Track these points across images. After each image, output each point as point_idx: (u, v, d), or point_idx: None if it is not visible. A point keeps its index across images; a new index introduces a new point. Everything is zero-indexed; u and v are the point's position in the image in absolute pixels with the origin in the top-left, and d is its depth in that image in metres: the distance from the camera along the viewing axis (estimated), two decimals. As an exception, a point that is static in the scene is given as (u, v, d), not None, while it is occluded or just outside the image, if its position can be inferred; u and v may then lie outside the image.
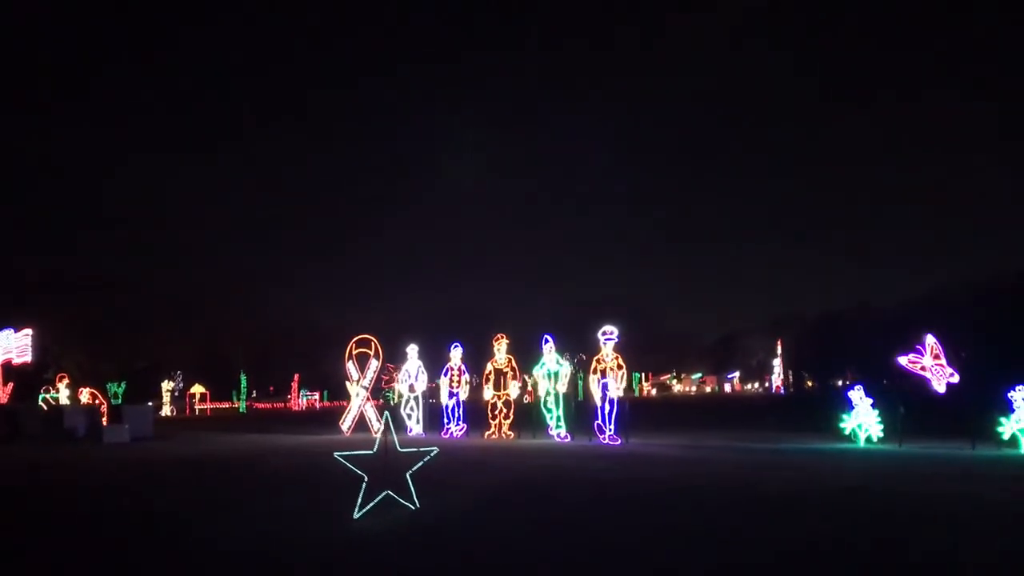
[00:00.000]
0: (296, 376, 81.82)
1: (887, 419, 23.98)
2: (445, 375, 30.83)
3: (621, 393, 26.23)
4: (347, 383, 33.57)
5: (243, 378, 76.67)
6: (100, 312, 74.13)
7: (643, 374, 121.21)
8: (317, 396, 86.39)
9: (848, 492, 14.32)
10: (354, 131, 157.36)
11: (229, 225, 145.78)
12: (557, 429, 27.40)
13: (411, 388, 32.05)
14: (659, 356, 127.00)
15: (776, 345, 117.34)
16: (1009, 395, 21.82)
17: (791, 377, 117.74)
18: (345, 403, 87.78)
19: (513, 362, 29.19)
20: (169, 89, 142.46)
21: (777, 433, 28.92)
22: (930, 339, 23.36)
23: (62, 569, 9.36)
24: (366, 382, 32.87)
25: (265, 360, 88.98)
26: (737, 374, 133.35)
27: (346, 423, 33.08)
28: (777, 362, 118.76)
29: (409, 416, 31.95)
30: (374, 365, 32.85)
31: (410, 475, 13.55)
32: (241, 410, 76.98)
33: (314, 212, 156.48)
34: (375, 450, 13.55)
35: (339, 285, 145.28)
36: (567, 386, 27.89)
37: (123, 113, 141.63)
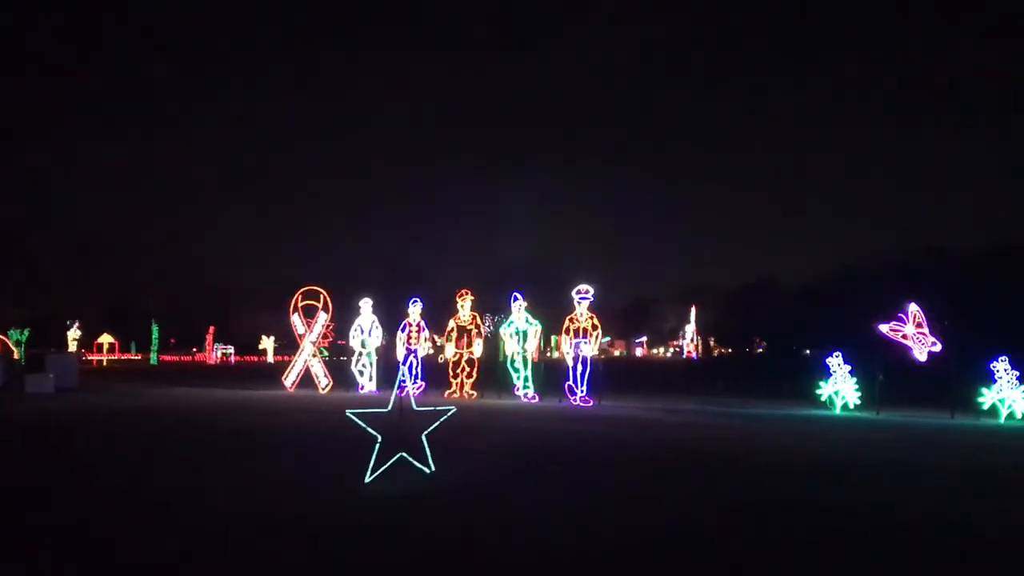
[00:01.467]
0: (211, 329, 78.68)
1: (864, 387, 23.94)
2: (403, 331, 29.48)
3: (595, 353, 25.48)
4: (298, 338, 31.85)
5: (155, 329, 73.16)
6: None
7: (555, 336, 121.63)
8: (232, 350, 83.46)
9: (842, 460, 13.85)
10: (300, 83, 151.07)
11: (155, 173, 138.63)
12: (524, 389, 26.51)
13: (363, 344, 30.57)
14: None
15: (690, 312, 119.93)
16: (991, 366, 21.95)
17: (702, 344, 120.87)
18: (259, 359, 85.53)
19: (478, 319, 28.06)
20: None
21: (748, 398, 28.75)
22: (913, 307, 23.31)
23: None
24: (313, 336, 31.24)
25: (176, 312, 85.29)
26: (645, 338, 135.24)
27: (290, 378, 31.42)
28: (690, 328, 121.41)
29: (361, 373, 30.54)
30: (322, 318, 31.25)
31: (426, 436, 12.44)
32: (152, 362, 73.61)
33: (263, 168, 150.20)
34: (390, 408, 12.37)
35: (277, 240, 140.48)
36: (536, 346, 26.95)
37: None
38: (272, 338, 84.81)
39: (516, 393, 26.69)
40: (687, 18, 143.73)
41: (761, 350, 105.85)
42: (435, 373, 30.02)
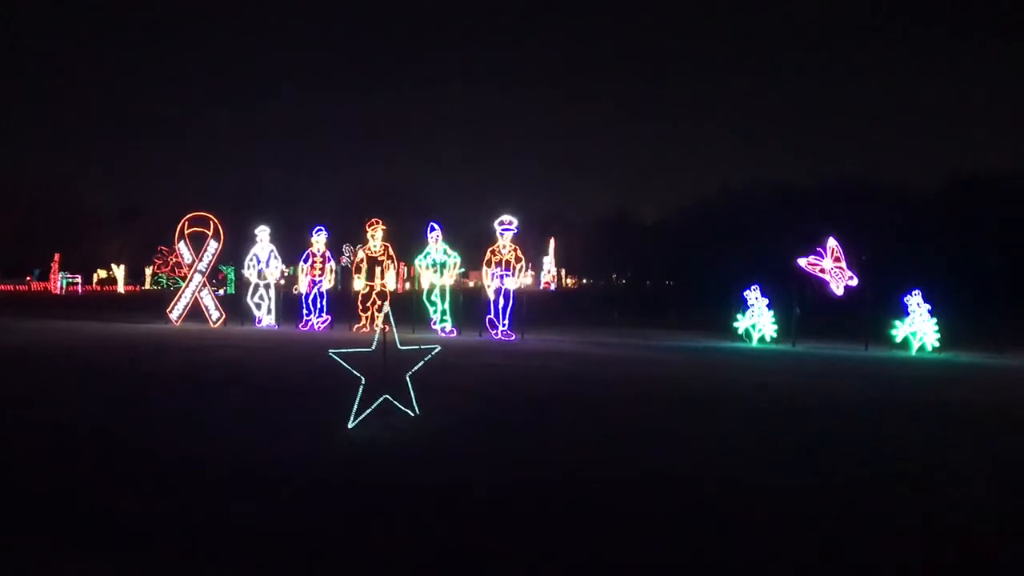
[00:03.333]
0: (57, 256, 72.97)
1: (781, 320, 24.60)
2: (306, 261, 27.93)
3: (518, 286, 24.97)
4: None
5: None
6: None
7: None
8: (79, 280, 77.94)
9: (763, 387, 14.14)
10: None
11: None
12: (442, 323, 25.74)
13: (260, 275, 28.82)
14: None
15: (548, 243, 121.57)
16: (905, 299, 22.92)
17: (561, 275, 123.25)
18: (107, 288, 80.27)
19: (390, 250, 26.90)
20: None
21: (650, 329, 29.13)
22: (832, 242, 23.97)
23: None
24: (203, 266, 29.17)
25: (16, 235, 78.59)
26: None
27: (176, 310, 29.33)
28: (548, 260, 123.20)
29: (258, 306, 28.85)
30: (213, 247, 29.21)
31: (410, 376, 11.68)
32: (-11, 293, 67.67)
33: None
34: (373, 347, 11.51)
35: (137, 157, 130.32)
36: (453, 277, 26.14)
37: None
38: (123, 267, 79.71)
39: (433, 327, 25.90)
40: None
41: (624, 282, 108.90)
42: (340, 307, 28.66)
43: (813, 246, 24.28)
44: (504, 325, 24.89)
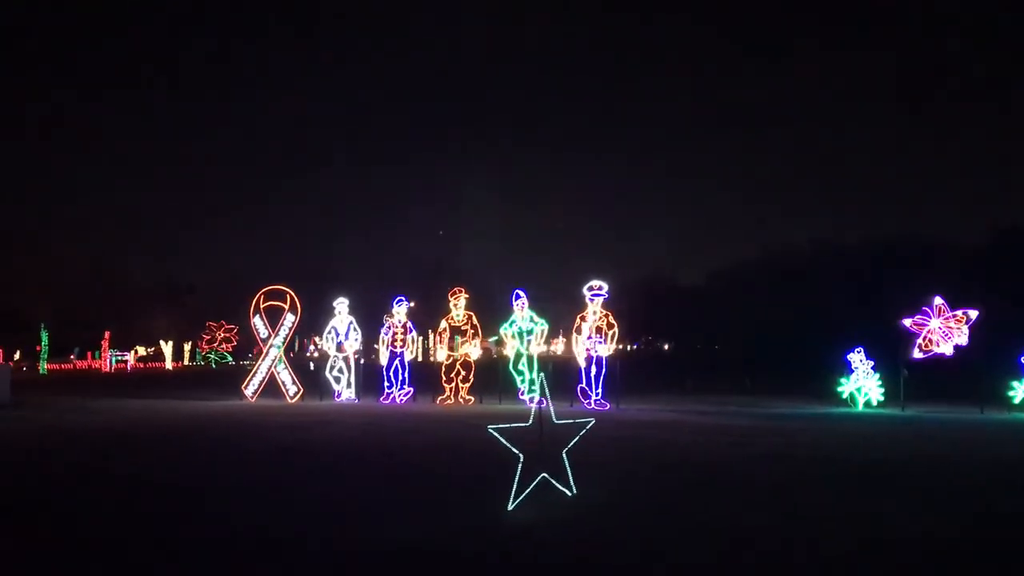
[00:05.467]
0: (107, 334, 73.56)
1: (888, 382, 23.77)
2: (386, 333, 27.64)
3: (610, 353, 24.43)
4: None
5: (45, 335, 67.74)
6: None
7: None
8: (130, 357, 78.37)
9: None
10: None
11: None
12: (531, 393, 25.19)
13: (340, 347, 28.53)
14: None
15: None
16: (1022, 359, 22.03)
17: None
18: (155, 365, 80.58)
19: (474, 319, 26.55)
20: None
21: (761, 397, 28.35)
22: (938, 300, 23.24)
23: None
24: (279, 340, 28.98)
25: (65, 316, 79.50)
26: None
27: (251, 387, 29.05)
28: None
29: (337, 380, 28.49)
30: (289, 320, 29.04)
31: (567, 453, 11.09)
32: (42, 371, 68.16)
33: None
34: (531, 421, 10.96)
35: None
36: (541, 345, 25.69)
37: None
38: (171, 343, 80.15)
39: (520, 397, 25.35)
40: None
41: (667, 347, 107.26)
42: (424, 378, 28.23)
43: (917, 306, 23.57)
44: (597, 394, 24.28)
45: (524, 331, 25.56)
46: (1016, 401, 21.98)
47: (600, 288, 24.73)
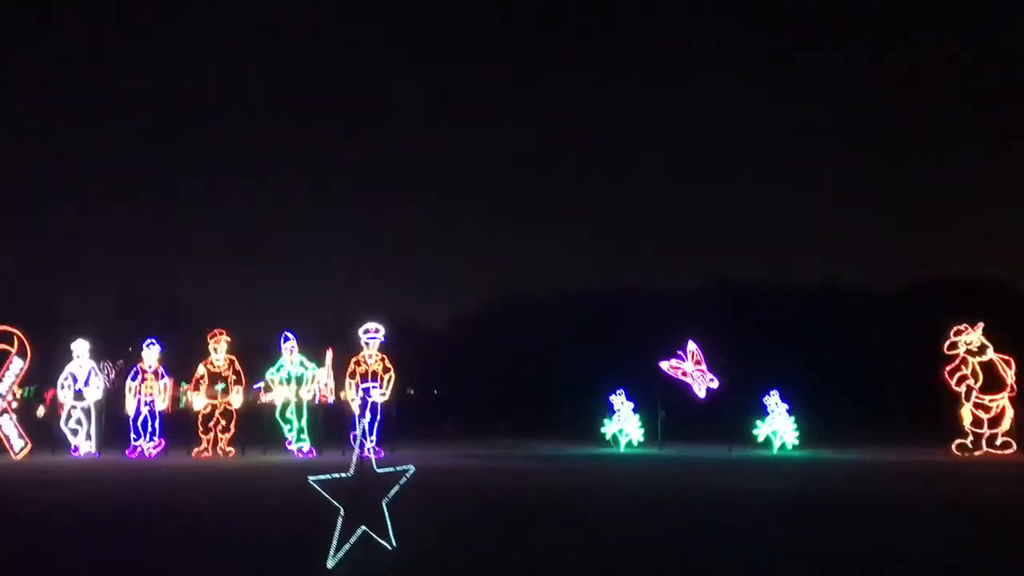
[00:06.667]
0: None
1: (647, 423, 25.11)
2: (134, 379, 25.15)
3: (386, 399, 23.79)
4: None
5: None
6: None
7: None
8: None
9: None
10: None
11: None
12: (299, 443, 23.88)
13: (78, 396, 25.53)
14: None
15: (324, 354, 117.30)
16: (764, 400, 24.11)
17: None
18: None
19: (237, 364, 24.85)
20: None
21: (524, 439, 28.81)
22: (692, 345, 24.97)
23: None
24: (2, 388, 25.43)
25: None
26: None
27: (-32, 442, 25.26)
28: (324, 372, 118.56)
29: (75, 432, 25.40)
30: (16, 365, 25.58)
31: (387, 503, 10.52)
32: None
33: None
34: (352, 472, 10.29)
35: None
36: (312, 392, 24.46)
37: None
38: None
39: (288, 447, 23.99)
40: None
41: (410, 391, 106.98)
42: (174, 429, 25.87)
43: (674, 349, 25.16)
44: (372, 441, 23.47)
45: (293, 376, 24.27)
46: (760, 439, 23.93)
47: (377, 330, 24.15)
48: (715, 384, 24.58)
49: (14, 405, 25.57)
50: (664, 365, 25.01)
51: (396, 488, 10.62)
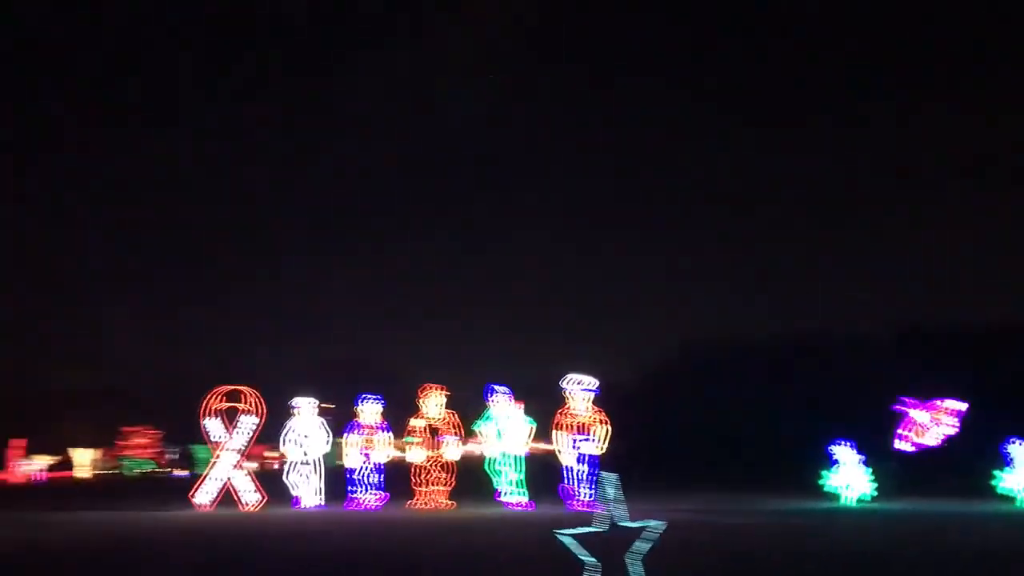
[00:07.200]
0: (24, 441, 68.86)
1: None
2: (355, 433, 26.20)
3: (600, 452, 23.57)
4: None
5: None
6: None
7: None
8: (40, 466, 73.31)
9: None
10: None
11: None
12: (515, 495, 24.01)
13: (304, 450, 26.87)
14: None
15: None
16: (1006, 448, 22.00)
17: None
18: (68, 474, 75.12)
19: (454, 417, 25.48)
20: None
21: (750, 494, 27.63)
22: (928, 392, 23.32)
23: None
24: (239, 443, 27.15)
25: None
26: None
27: (206, 494, 27.05)
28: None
29: (296, 485, 26.68)
30: (250, 423, 27.27)
31: (643, 560, 10.26)
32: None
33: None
34: (603, 524, 10.17)
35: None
36: (528, 444, 24.64)
37: None
38: (92, 450, 75.48)
39: (498, 499, 24.20)
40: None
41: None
42: (395, 481, 26.71)
43: (896, 397, 23.58)
44: (586, 494, 23.27)
45: (502, 428, 24.52)
46: (1000, 490, 21.83)
47: (589, 383, 24.08)
48: (952, 431, 22.73)
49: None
50: (897, 411, 23.41)
51: (650, 543, 10.36)
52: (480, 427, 25.23)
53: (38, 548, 17.32)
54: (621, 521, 10.41)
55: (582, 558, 9.86)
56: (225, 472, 27.21)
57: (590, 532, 10.21)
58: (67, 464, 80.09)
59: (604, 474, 11.14)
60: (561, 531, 10.03)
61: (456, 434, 25.40)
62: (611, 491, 10.62)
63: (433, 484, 25.01)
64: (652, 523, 10.55)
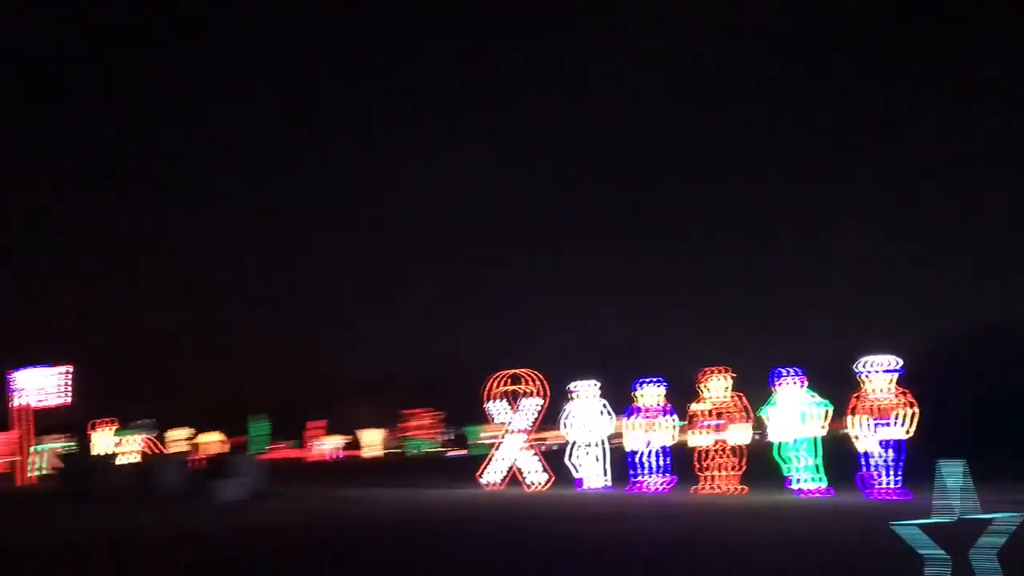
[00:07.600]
0: (324, 423, 76.05)
1: None
2: (637, 416, 26.05)
3: (908, 435, 21.74)
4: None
5: (266, 424, 70.80)
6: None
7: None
8: (336, 445, 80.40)
9: None
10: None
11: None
12: (812, 481, 22.79)
13: (586, 432, 27.20)
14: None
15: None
16: None
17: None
18: (356, 453, 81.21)
19: (744, 399, 24.65)
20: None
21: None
22: None
23: None
24: (524, 424, 28.02)
25: (281, 404, 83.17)
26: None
27: (494, 474, 28.22)
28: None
29: (576, 468, 27.03)
30: (535, 405, 28.08)
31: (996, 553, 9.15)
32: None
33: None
34: (942, 517, 9.21)
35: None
36: (825, 428, 23.27)
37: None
38: (382, 431, 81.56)
39: (788, 485, 23.04)
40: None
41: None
42: (679, 464, 26.32)
43: None
44: (891, 481, 21.54)
45: (797, 412, 23.24)
46: None
47: (891, 363, 22.24)
48: None
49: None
50: None
51: (999, 538, 9.20)
52: (766, 412, 24.14)
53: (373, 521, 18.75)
54: (968, 513, 9.36)
55: (924, 552, 8.96)
56: (512, 453, 28.30)
57: (933, 523, 9.24)
58: (355, 444, 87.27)
59: (945, 461, 10.02)
60: (899, 523, 9.18)
61: (745, 418, 24.49)
62: (956, 479, 9.59)
63: (720, 469, 24.34)
64: (1003, 515, 9.39)
